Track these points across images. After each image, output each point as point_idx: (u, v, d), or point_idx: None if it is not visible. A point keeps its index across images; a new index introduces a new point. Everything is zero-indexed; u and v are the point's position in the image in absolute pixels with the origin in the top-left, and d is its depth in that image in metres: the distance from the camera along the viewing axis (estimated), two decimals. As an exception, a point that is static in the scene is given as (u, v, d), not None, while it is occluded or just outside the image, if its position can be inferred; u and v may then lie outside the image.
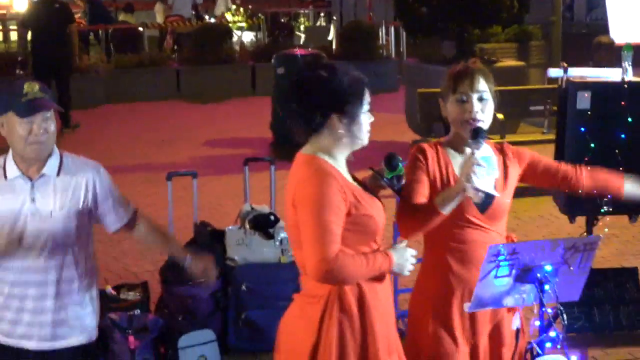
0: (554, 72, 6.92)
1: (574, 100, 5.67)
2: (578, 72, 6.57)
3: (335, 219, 3.46)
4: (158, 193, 9.46)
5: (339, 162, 3.62)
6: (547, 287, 3.52)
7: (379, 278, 3.63)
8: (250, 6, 20.89)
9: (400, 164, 3.68)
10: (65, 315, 4.00)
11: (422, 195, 3.82)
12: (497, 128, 9.87)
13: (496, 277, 3.52)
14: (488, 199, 3.78)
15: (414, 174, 3.86)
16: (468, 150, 3.76)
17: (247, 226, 6.44)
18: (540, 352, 3.51)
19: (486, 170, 3.62)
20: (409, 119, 13.04)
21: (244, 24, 19.91)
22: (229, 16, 20.39)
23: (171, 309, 6.36)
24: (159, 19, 21.69)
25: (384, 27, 19.85)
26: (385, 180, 3.69)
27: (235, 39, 19.20)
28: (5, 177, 3.91)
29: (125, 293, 6.58)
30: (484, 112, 3.86)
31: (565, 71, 6.79)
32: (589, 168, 4.20)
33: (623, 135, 6.48)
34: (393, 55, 19.50)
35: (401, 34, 19.42)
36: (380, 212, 3.62)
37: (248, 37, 19.79)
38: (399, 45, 19.90)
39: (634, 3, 11.30)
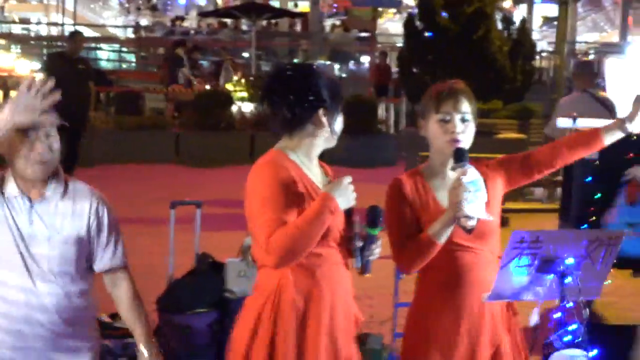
0: (563, 122, 6.92)
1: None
2: (587, 123, 6.57)
3: (279, 212, 3.48)
4: (154, 244, 9.42)
5: (309, 158, 3.70)
6: (568, 279, 3.44)
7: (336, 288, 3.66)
8: (252, 78, 21.02)
9: (380, 225, 3.65)
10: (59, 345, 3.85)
11: (409, 227, 3.77)
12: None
13: (517, 266, 3.43)
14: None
15: (397, 209, 3.80)
16: (450, 173, 3.69)
17: (249, 258, 6.36)
18: (559, 346, 3.41)
19: (475, 194, 3.54)
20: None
21: (245, 94, 19.99)
22: (230, 86, 20.49)
23: (167, 338, 6.24)
24: None
25: (384, 104, 19.99)
26: (361, 234, 3.68)
27: (235, 108, 19.28)
28: (3, 194, 3.74)
29: (120, 321, 6.44)
30: (465, 133, 3.77)
31: (574, 121, 6.81)
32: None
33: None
34: (392, 130, 19.59)
35: (401, 108, 19.56)
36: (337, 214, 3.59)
37: (248, 107, 19.86)
38: (397, 123, 20.03)
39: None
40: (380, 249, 3.68)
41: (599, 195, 6.37)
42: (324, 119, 3.65)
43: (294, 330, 3.58)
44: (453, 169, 3.62)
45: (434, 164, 3.86)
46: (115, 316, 6.49)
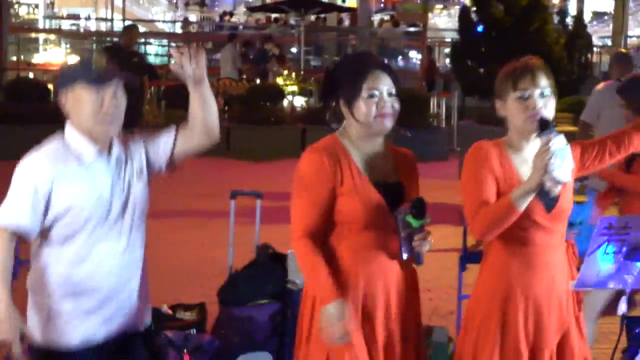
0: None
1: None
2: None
3: (311, 198, 3.63)
4: (210, 237, 9.37)
5: (360, 147, 3.73)
6: (661, 267, 3.33)
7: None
8: (302, 72, 20.99)
9: (427, 216, 3.59)
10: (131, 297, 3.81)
11: (489, 193, 3.65)
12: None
13: (605, 253, 3.32)
14: (554, 198, 3.62)
15: (479, 173, 3.68)
16: (532, 150, 3.59)
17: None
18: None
19: (562, 160, 3.43)
20: (463, 180, 12.88)
21: (295, 88, 19.94)
22: (280, 80, 20.46)
23: (227, 330, 6.19)
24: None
25: (435, 98, 19.83)
26: (404, 224, 3.62)
27: (286, 102, 19.23)
28: (82, 161, 3.66)
29: (181, 313, 6.43)
30: (546, 109, 3.65)
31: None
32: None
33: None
34: (444, 125, 19.43)
35: (453, 102, 19.41)
36: (368, 201, 3.65)
37: (299, 101, 19.82)
38: (448, 117, 19.88)
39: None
40: (430, 240, 3.63)
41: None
42: (345, 109, 3.70)
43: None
44: (539, 136, 3.52)
45: (514, 142, 3.76)
46: (176, 308, 6.47)
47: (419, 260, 3.70)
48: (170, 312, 6.39)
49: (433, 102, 19.53)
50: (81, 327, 3.68)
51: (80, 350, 3.69)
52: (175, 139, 3.84)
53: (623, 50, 10.38)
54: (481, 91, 12.98)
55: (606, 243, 3.28)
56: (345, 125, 3.75)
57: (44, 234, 3.65)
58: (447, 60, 30.69)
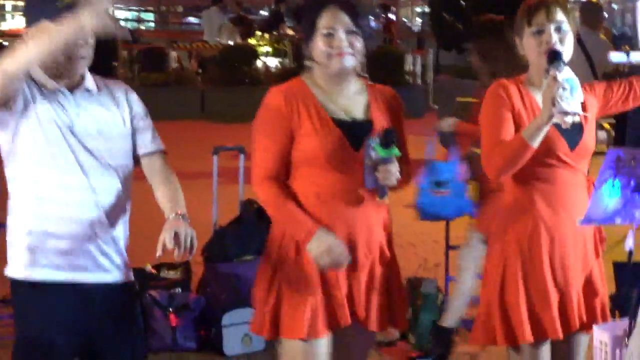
0: (616, 56, 6.69)
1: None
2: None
3: (269, 142, 3.61)
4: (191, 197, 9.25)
5: (325, 87, 3.64)
6: (667, 200, 3.23)
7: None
8: (275, 32, 20.76)
9: (395, 147, 3.47)
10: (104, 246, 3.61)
11: (508, 132, 3.55)
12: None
13: (612, 187, 3.22)
14: (577, 134, 3.54)
15: (497, 111, 3.59)
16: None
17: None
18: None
19: (571, 91, 3.34)
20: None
21: (269, 49, 19.76)
22: (252, 41, 20.25)
23: (214, 288, 6.09)
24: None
25: (410, 55, 19.71)
26: (371, 152, 3.52)
27: (260, 63, 19.05)
28: (44, 87, 3.49)
29: (165, 272, 6.32)
30: (563, 44, 3.56)
31: (628, 55, 6.59)
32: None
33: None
34: (419, 82, 19.35)
35: (428, 60, 19.31)
36: (328, 139, 3.57)
37: (273, 62, 19.63)
38: (423, 75, 19.79)
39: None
40: (397, 175, 3.51)
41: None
42: (305, 49, 3.65)
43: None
44: (547, 70, 3.42)
45: (533, 79, 3.66)
46: (159, 267, 6.36)
47: (382, 193, 3.57)
48: (154, 271, 6.27)
49: (408, 59, 19.42)
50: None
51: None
52: (143, 155, 3.74)
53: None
54: (458, 46, 12.84)
55: (613, 177, 3.18)
56: (311, 65, 3.66)
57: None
58: (419, 20, 30.62)
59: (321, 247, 3.48)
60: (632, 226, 3.46)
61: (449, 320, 5.64)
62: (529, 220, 3.61)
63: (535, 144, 3.43)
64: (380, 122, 3.64)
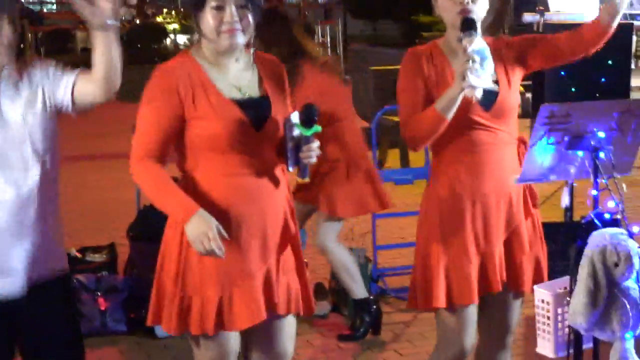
0: (529, 17, 6.75)
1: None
2: (556, 6, 6.37)
3: (154, 120, 3.40)
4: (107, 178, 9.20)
5: (216, 63, 3.45)
6: (601, 154, 3.25)
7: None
8: (182, 9, 20.58)
9: (316, 124, 3.37)
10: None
11: (420, 103, 3.55)
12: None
13: (547, 144, 3.23)
14: (491, 95, 3.51)
15: (410, 81, 3.59)
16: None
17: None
18: (598, 224, 3.20)
19: (482, 64, 3.32)
20: (357, 105, 12.80)
21: (177, 26, 19.57)
22: (160, 19, 20.04)
23: (140, 268, 6.01)
24: None
25: (319, 27, 19.69)
26: (292, 133, 3.39)
27: (169, 41, 18.87)
28: None
29: (90, 255, 6.23)
30: (476, 4, 3.50)
31: (542, 14, 6.63)
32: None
33: (603, 79, 6.35)
34: (329, 52, 19.34)
35: (337, 30, 19.31)
36: (228, 122, 3.37)
37: (182, 39, 19.46)
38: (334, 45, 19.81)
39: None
40: (317, 152, 3.41)
41: (573, 89, 6.24)
42: (194, 24, 3.45)
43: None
44: (459, 39, 3.39)
45: (450, 41, 3.63)
46: (84, 251, 6.26)
47: (304, 173, 3.45)
48: (79, 255, 6.17)
49: (317, 30, 19.40)
50: None
51: None
52: (74, 83, 3.46)
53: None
54: (370, 15, 12.83)
55: (547, 134, 3.19)
56: (199, 39, 3.48)
57: None
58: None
59: (196, 231, 3.29)
60: (566, 183, 3.48)
61: (357, 291, 5.65)
62: (451, 187, 3.62)
63: (449, 115, 3.43)
64: (275, 97, 3.51)
